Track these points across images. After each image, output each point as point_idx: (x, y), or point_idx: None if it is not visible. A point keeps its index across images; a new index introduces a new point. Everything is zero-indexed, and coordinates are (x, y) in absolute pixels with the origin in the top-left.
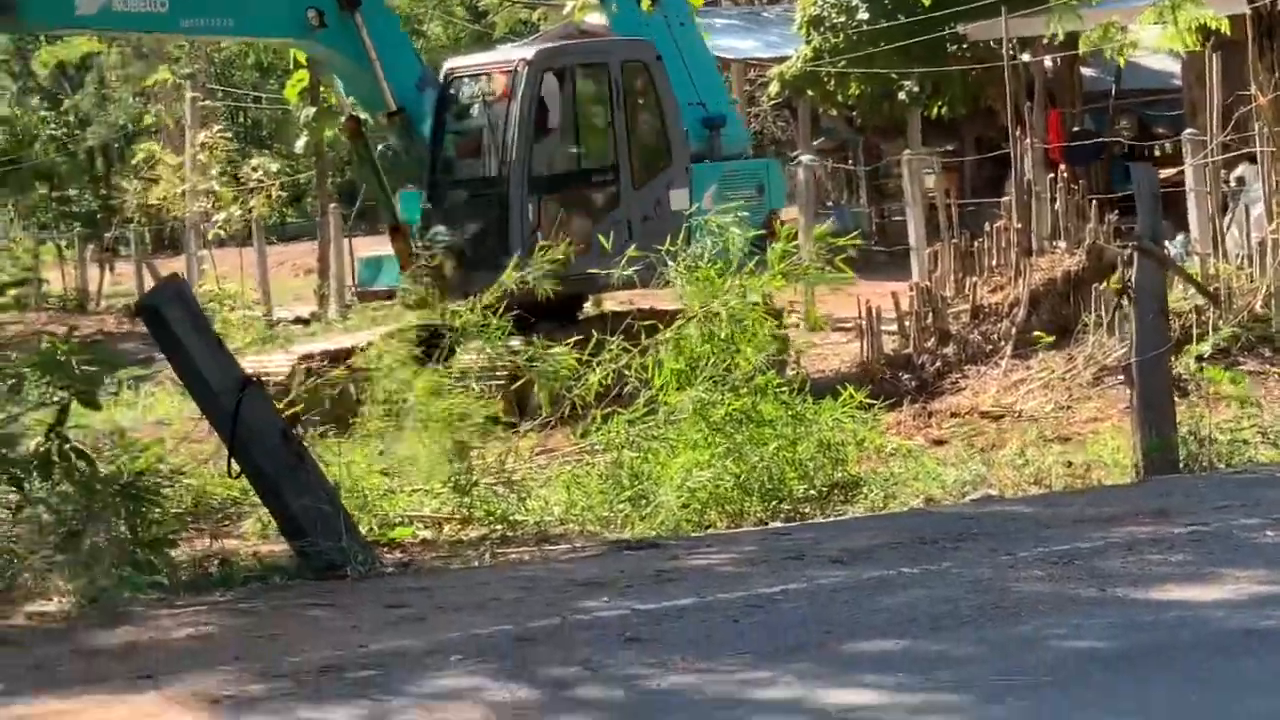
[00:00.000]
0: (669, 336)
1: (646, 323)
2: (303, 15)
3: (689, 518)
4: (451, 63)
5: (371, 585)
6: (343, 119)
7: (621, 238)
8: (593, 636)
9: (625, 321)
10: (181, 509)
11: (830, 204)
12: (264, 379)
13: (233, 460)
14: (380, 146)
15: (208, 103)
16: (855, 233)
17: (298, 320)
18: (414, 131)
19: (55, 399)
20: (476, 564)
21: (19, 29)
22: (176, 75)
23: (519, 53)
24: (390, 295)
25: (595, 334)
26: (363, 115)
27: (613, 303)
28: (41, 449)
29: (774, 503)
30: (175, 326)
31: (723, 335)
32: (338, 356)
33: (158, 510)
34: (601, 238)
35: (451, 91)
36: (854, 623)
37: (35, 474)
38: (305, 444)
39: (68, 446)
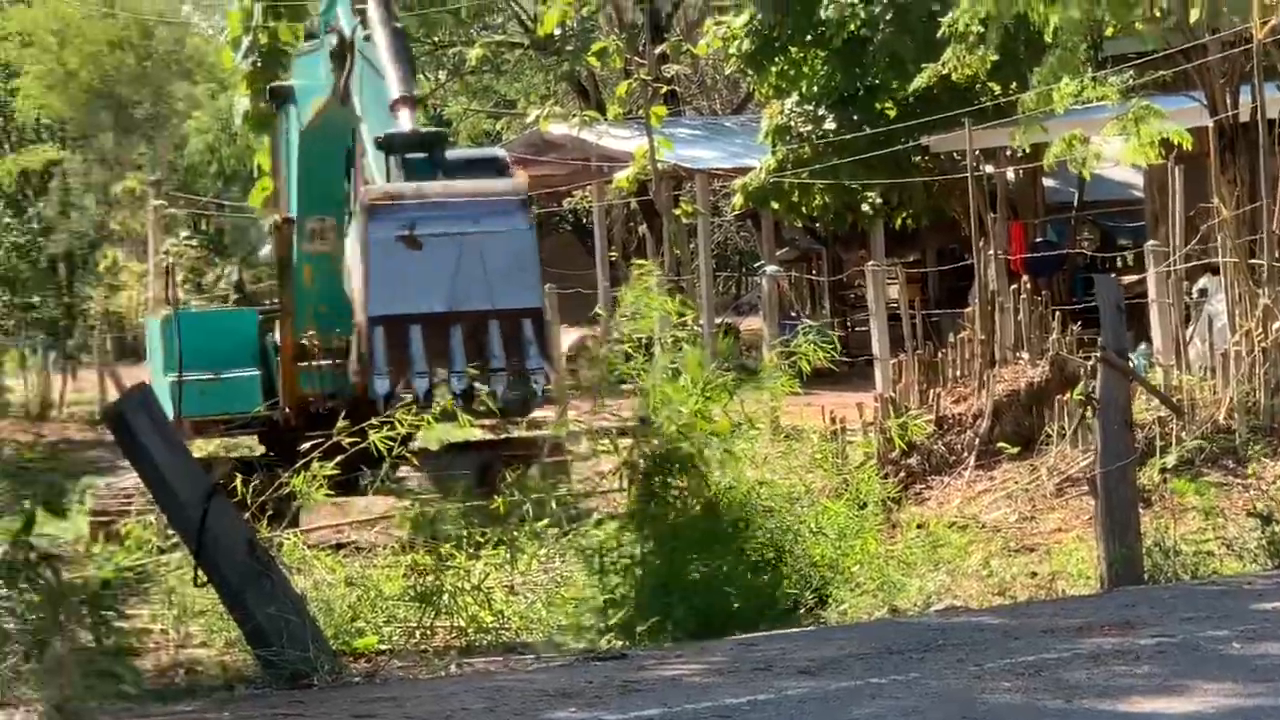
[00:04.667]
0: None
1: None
2: None
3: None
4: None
5: (339, 695)
6: (279, 220)
7: None
8: None
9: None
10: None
11: (794, 314)
12: None
13: (198, 570)
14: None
15: (171, 210)
16: (828, 341)
17: None
18: None
19: (21, 507)
20: (443, 673)
21: None
22: (141, 183)
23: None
24: (230, 424)
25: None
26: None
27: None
28: (6, 557)
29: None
30: (141, 434)
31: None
32: None
33: (123, 620)
34: None
35: None
36: None
37: (1, 581)
38: (271, 553)
39: (33, 554)
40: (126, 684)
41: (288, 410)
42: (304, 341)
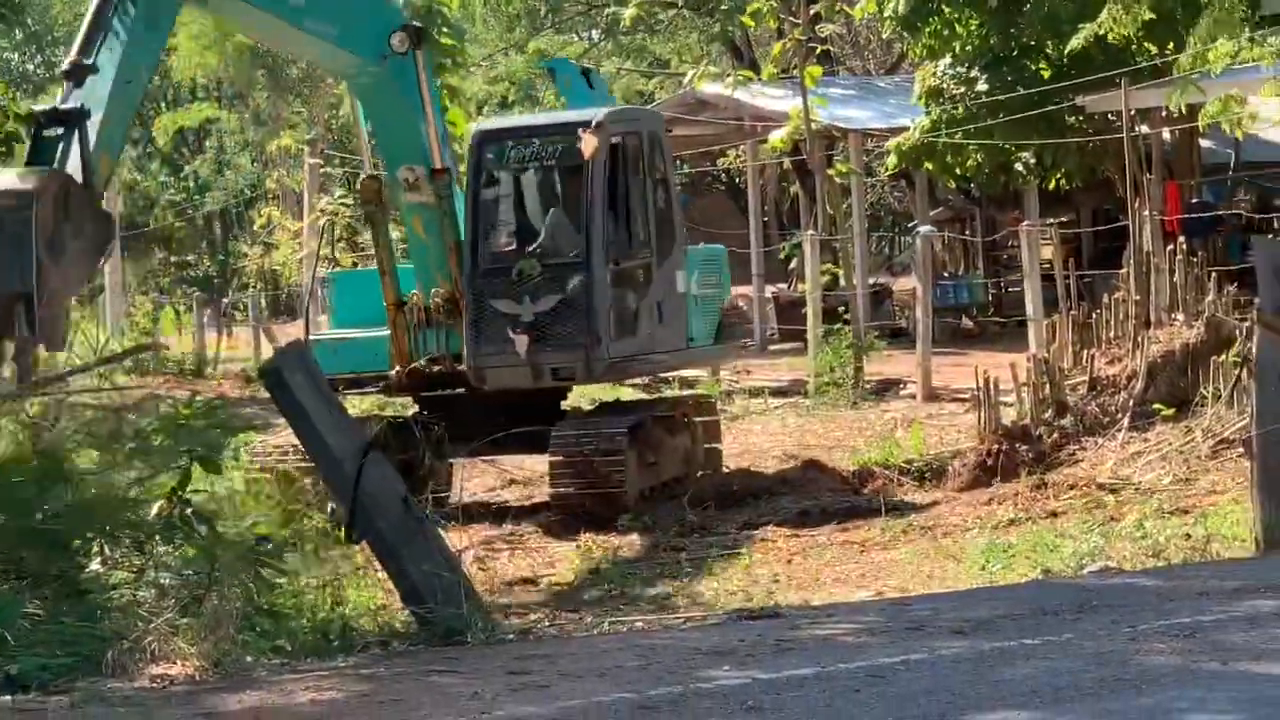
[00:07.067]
0: None
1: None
2: (385, 37)
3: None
4: (484, 125)
5: (493, 651)
6: (362, 178)
7: (653, 320)
8: (715, 705)
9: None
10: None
11: (947, 274)
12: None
13: (353, 526)
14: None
15: (326, 169)
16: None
17: None
18: (452, 193)
19: (177, 463)
20: (595, 631)
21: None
22: (297, 141)
23: (579, 116)
24: (355, 384)
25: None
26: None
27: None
28: (164, 512)
29: None
30: (298, 391)
31: None
32: None
33: (279, 576)
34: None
35: (491, 156)
36: (976, 694)
37: (158, 537)
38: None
39: (190, 510)
40: (282, 639)
41: (398, 371)
42: (404, 299)
